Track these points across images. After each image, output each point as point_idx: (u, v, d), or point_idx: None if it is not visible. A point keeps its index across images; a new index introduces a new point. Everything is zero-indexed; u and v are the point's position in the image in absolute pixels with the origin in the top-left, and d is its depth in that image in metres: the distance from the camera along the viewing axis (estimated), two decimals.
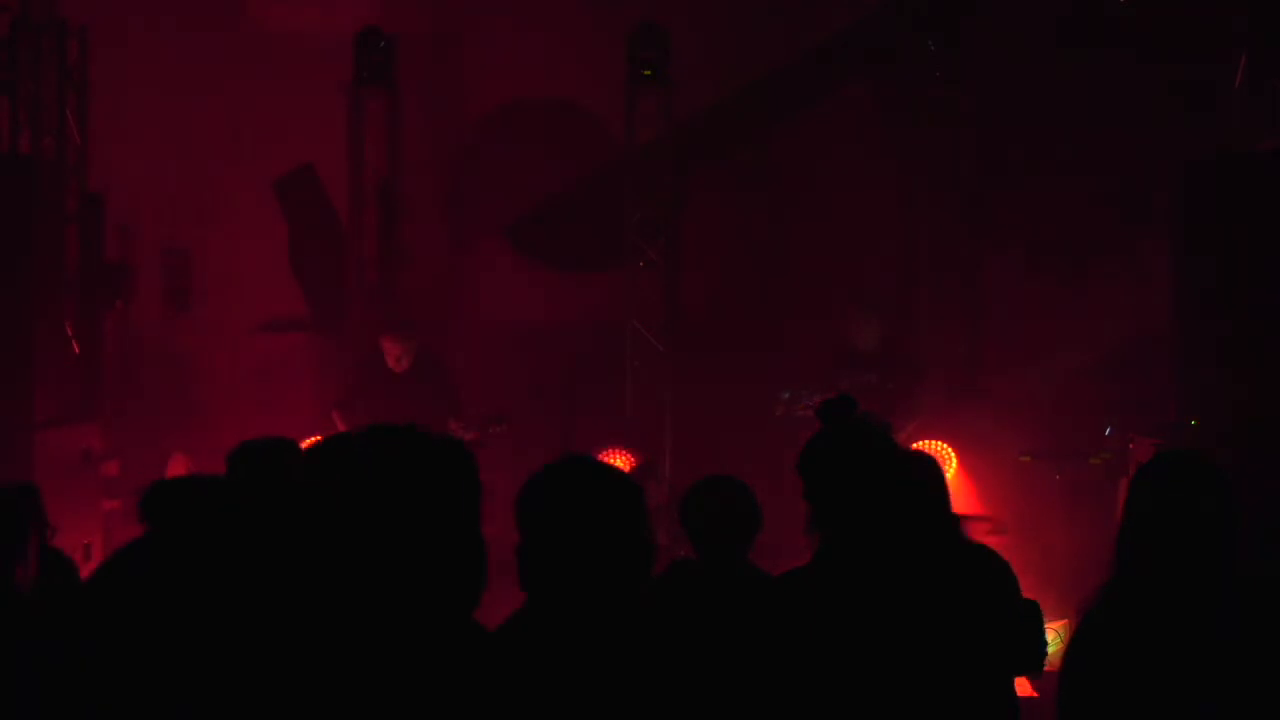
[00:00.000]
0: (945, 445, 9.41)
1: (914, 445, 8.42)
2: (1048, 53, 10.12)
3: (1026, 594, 4.20)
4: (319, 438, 4.99)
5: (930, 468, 4.21)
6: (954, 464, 9.36)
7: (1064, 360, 9.56)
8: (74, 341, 9.28)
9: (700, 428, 10.14)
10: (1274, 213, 8.02)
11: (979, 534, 7.17)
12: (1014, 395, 9.41)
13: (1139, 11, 10.03)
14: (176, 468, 9.24)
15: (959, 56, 10.04)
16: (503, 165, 11.59)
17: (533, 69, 11.11)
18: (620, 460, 9.51)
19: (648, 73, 10.19)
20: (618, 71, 10.24)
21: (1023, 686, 4.62)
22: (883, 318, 9.70)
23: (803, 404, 9.08)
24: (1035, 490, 8.92)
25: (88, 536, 8.50)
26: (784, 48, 10.94)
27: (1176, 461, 3.41)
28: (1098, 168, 10.19)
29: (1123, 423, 8.95)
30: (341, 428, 8.80)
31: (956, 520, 4.24)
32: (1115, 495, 8.71)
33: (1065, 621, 7.89)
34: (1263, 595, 3.24)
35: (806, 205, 11.03)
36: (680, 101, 10.37)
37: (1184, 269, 8.54)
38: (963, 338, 10.18)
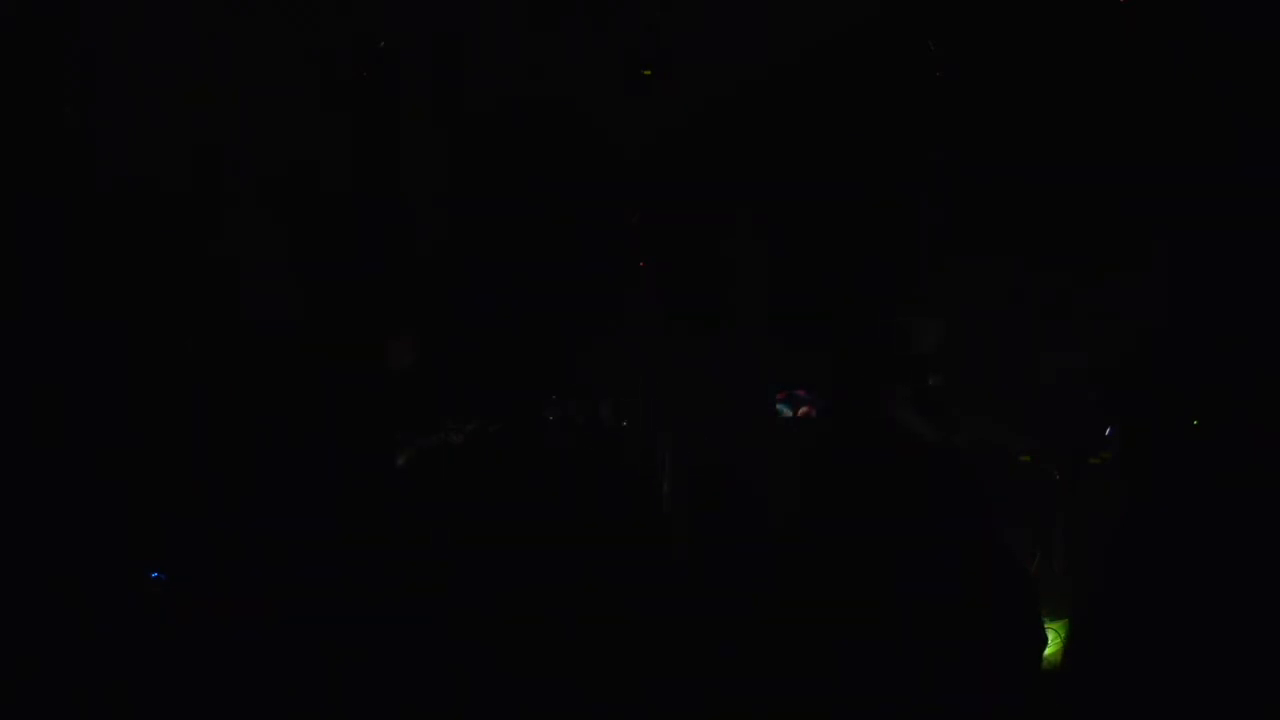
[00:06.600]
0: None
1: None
2: (1047, 52, 10.12)
3: None
4: None
5: (964, 472, 4.21)
6: None
7: (1063, 360, 9.56)
8: None
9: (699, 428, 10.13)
10: (1274, 212, 8.04)
11: None
12: (1014, 395, 9.40)
13: (1139, 9, 10.03)
14: None
15: (959, 56, 10.04)
16: (502, 165, 11.57)
17: (532, 69, 11.09)
18: None
19: (648, 73, 10.19)
20: (617, 71, 10.23)
21: None
22: (881, 317, 9.69)
23: (802, 406, 9.08)
24: (1035, 490, 8.91)
25: None
26: (784, 47, 10.93)
27: (1178, 462, 3.43)
28: (1098, 166, 10.19)
29: (1123, 423, 8.94)
30: None
31: (985, 525, 4.22)
32: (1115, 495, 8.71)
33: (1065, 622, 7.92)
34: (1260, 593, 3.26)
35: (805, 205, 11.02)
36: (680, 101, 10.36)
37: (1183, 268, 8.55)
38: (961, 337, 10.18)
